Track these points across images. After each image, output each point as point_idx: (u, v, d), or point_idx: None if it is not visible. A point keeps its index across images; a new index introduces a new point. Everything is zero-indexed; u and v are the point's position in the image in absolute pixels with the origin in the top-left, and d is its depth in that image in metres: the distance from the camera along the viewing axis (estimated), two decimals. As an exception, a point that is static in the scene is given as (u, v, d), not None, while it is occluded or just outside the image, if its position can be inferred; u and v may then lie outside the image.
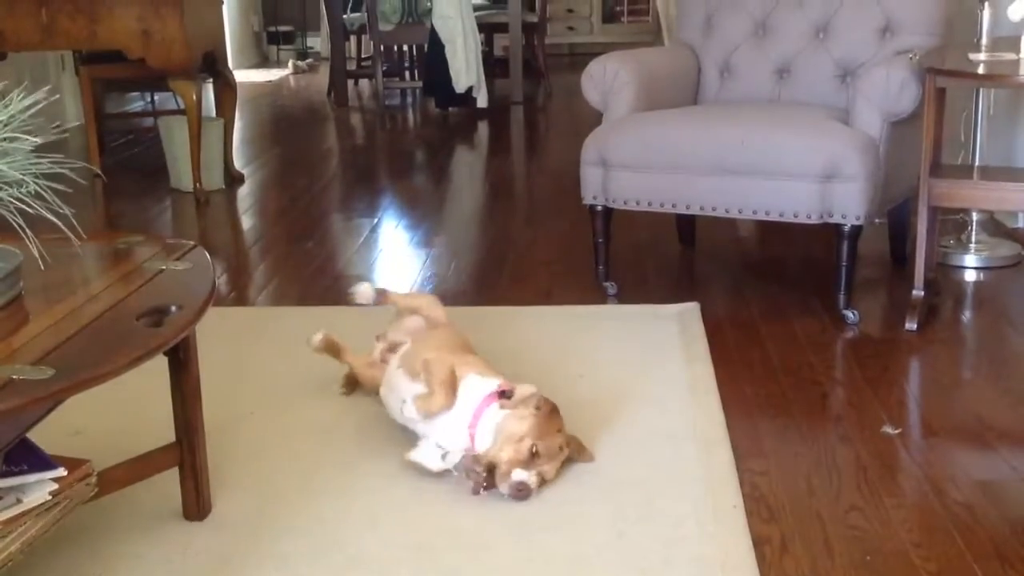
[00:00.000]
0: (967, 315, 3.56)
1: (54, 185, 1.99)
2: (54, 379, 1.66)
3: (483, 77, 7.57)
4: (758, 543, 2.12)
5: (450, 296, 3.77)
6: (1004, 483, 2.38)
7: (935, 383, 3.02)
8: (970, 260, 3.90)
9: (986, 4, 3.61)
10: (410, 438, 2.51)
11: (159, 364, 2.15)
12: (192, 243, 2.40)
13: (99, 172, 5.49)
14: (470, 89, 7.48)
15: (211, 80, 5.75)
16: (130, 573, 2.05)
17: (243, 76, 8.60)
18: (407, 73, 9.04)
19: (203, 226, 4.96)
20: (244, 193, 5.54)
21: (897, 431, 2.62)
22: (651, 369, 2.96)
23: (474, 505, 2.28)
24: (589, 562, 2.06)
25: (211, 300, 2.08)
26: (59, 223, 2.01)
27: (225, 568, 2.07)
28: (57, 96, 6.43)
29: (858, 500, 2.30)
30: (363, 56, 9.19)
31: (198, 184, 5.21)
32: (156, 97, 7.53)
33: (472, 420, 2.38)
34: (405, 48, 8.98)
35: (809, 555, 2.09)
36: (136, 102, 7.87)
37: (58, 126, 2.14)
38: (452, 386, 2.41)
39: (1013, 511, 2.27)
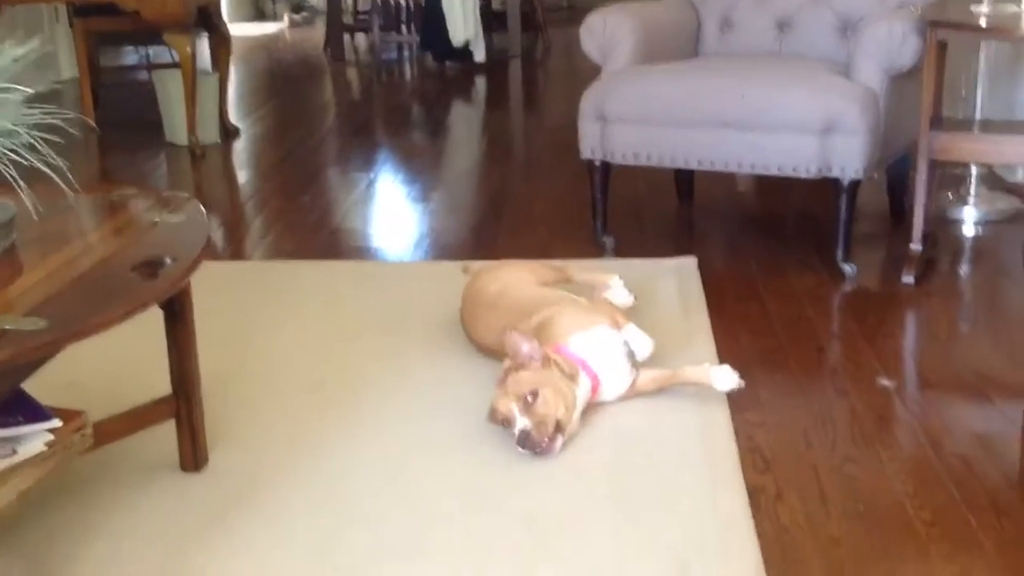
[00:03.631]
0: (964, 269, 3.56)
1: (48, 136, 1.98)
2: (47, 330, 1.65)
3: (480, 31, 7.51)
4: (753, 493, 2.13)
5: (448, 251, 3.76)
6: (999, 435, 2.38)
7: (932, 336, 3.02)
8: (968, 214, 3.89)
9: (988, -45, 3.57)
10: (402, 395, 2.51)
11: (155, 318, 2.15)
12: (186, 195, 2.39)
13: (93, 125, 5.45)
14: (467, 43, 7.42)
15: (206, 33, 5.70)
16: (126, 524, 2.06)
17: (238, 30, 8.52)
18: (404, 27, 8.94)
19: (198, 180, 4.93)
20: (240, 147, 5.52)
21: (893, 383, 2.62)
22: (649, 322, 2.94)
23: (470, 457, 2.28)
24: (585, 513, 2.07)
25: (206, 252, 2.07)
26: (53, 175, 2.00)
27: (222, 519, 2.07)
28: (51, 48, 6.39)
29: (853, 451, 2.31)
30: (359, 9, 9.11)
31: (193, 138, 5.18)
32: (151, 51, 7.47)
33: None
34: (402, 1, 8.89)
35: (804, 505, 2.10)
36: (130, 56, 7.81)
37: (55, 83, 2.12)
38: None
39: (1008, 462, 2.28)
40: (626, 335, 2.53)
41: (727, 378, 2.47)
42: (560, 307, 2.59)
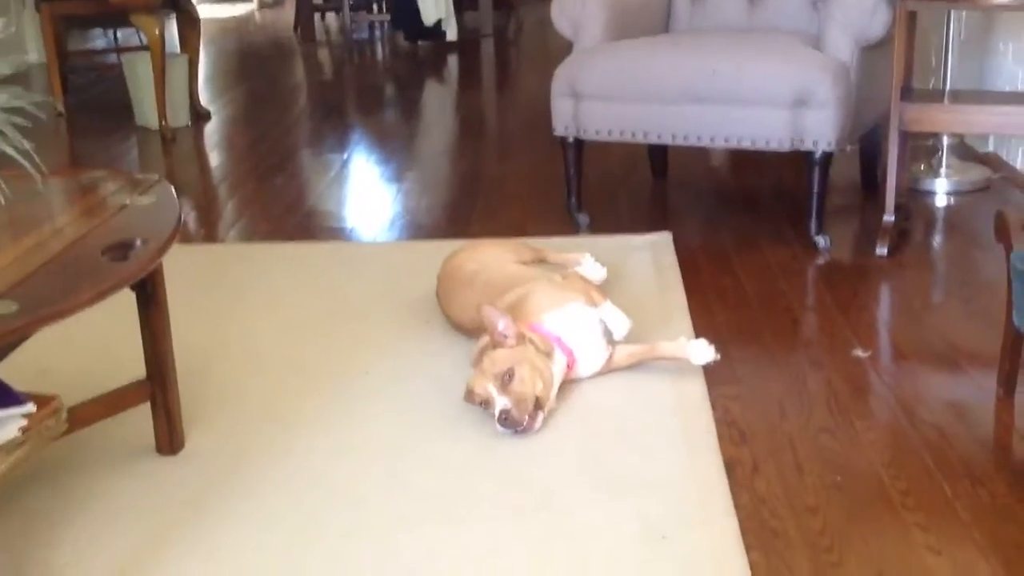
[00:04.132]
0: (937, 240, 3.58)
1: (14, 119, 1.95)
2: (18, 313, 1.64)
3: (452, 10, 7.47)
4: (730, 465, 2.14)
5: (422, 231, 3.75)
6: (973, 404, 2.40)
7: (905, 307, 3.04)
8: (940, 185, 3.91)
9: (957, -74, 3.58)
10: (380, 374, 2.51)
11: (128, 303, 2.14)
12: (156, 177, 2.37)
13: (61, 109, 5.40)
14: (439, 22, 7.39)
15: (174, 15, 5.64)
16: (103, 508, 2.05)
17: (207, 11, 8.45)
18: (375, 6, 8.91)
19: (170, 164, 4.90)
20: (211, 130, 5.48)
21: (867, 354, 2.64)
22: (624, 298, 2.95)
23: (449, 434, 2.28)
24: (563, 488, 2.07)
25: (177, 233, 2.06)
26: (21, 159, 1.98)
27: (200, 501, 2.06)
28: (13, 29, 6.31)
29: (828, 422, 2.32)
30: (330, -11, 9.05)
31: (164, 121, 5.14)
32: (119, 34, 7.39)
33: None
34: (373, -19, 8.86)
35: (780, 476, 2.11)
36: (99, 39, 7.72)
37: (22, 66, 2.09)
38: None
39: (982, 431, 2.30)
40: (602, 312, 2.53)
41: (703, 352, 2.48)
42: (535, 285, 2.59)
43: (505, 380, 2.25)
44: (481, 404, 2.28)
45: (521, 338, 2.34)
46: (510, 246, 2.96)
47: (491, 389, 2.26)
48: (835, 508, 2.01)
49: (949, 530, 1.93)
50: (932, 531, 1.93)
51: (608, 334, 2.51)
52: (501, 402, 2.24)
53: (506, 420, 2.23)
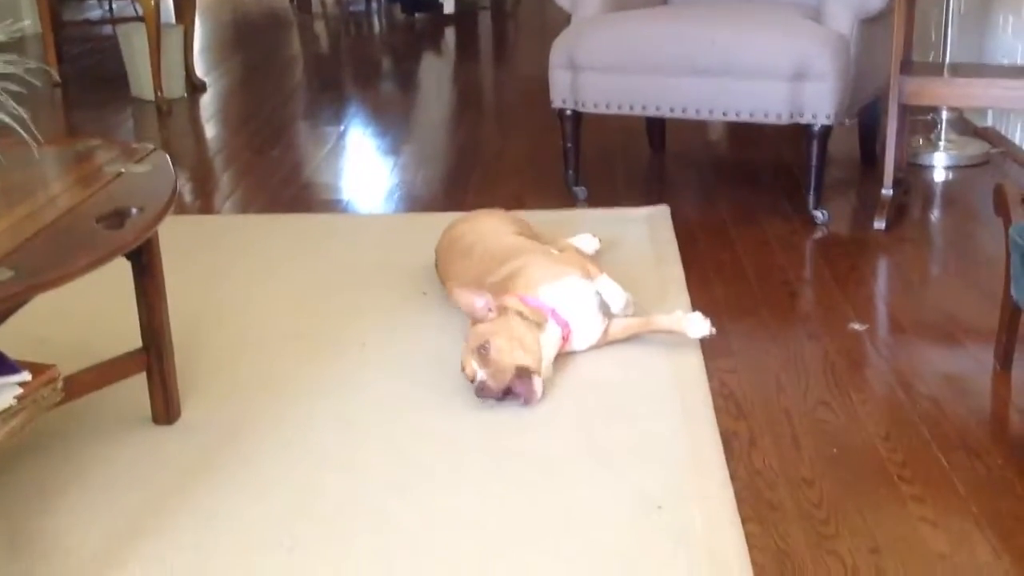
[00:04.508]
0: (935, 214, 3.57)
1: (10, 87, 1.94)
2: (13, 280, 1.63)
3: (450, -19, 7.43)
4: (727, 438, 2.14)
5: (419, 203, 3.74)
6: (970, 376, 2.40)
7: (903, 281, 3.03)
8: (939, 159, 3.90)
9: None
10: (377, 346, 2.50)
11: (124, 273, 2.13)
12: (151, 146, 2.35)
13: (57, 78, 5.37)
14: (436, -6, 7.34)
15: (169, -15, 5.60)
16: (100, 478, 2.05)
17: (203, -17, 8.39)
18: (372, -22, 8.85)
19: (165, 135, 4.87)
20: (206, 101, 5.45)
21: (865, 328, 2.64)
22: (621, 272, 2.94)
23: (446, 406, 2.28)
24: (560, 461, 2.07)
25: (172, 202, 2.04)
26: (16, 127, 1.96)
27: (196, 471, 2.06)
28: (12, 2, 6.26)
29: (826, 395, 2.32)
30: (326, -39, 8.98)
31: (159, 92, 5.11)
32: (114, 4, 7.35)
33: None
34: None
35: (777, 449, 2.11)
36: (94, 10, 7.67)
37: (11, 21, 2.07)
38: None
39: (978, 403, 2.30)
40: (598, 285, 2.53)
41: (699, 325, 2.47)
42: (531, 257, 2.58)
43: (482, 352, 2.25)
44: (470, 379, 2.28)
45: (503, 310, 2.34)
46: (509, 217, 2.95)
47: (472, 363, 2.27)
48: (831, 480, 2.01)
49: (945, 502, 1.93)
50: (928, 503, 1.93)
51: (604, 307, 2.51)
52: (480, 374, 2.24)
53: (482, 391, 2.23)
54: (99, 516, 1.93)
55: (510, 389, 2.24)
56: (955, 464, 2.05)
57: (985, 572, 1.75)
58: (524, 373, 2.25)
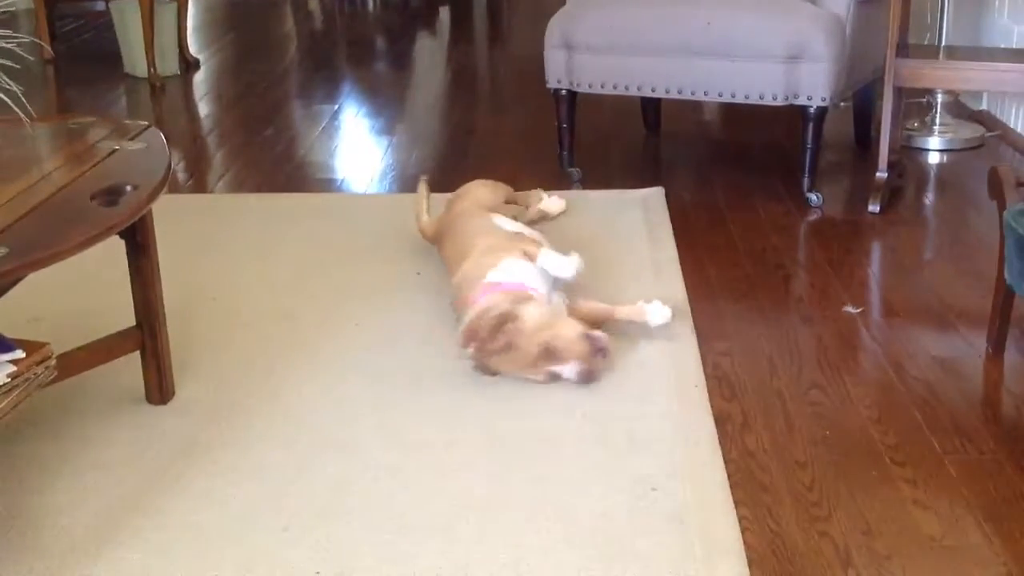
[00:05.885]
0: (930, 197, 3.57)
1: (3, 62, 1.93)
2: (7, 257, 1.62)
3: (444, -40, 7.38)
4: (720, 420, 2.15)
5: (413, 184, 3.72)
6: (962, 360, 2.41)
7: (897, 264, 3.04)
8: (934, 143, 3.90)
9: None
10: (372, 325, 2.50)
11: (118, 252, 2.12)
12: (145, 123, 2.34)
13: (50, 51, 5.33)
14: (431, -27, 7.30)
15: (163, -38, 5.56)
16: (94, 456, 2.05)
17: (197, -40, 8.33)
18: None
19: (159, 113, 4.85)
20: (200, 79, 5.42)
21: (858, 311, 2.64)
22: (616, 253, 2.95)
23: (439, 386, 2.28)
24: (553, 443, 2.08)
25: (167, 180, 2.04)
26: (8, 102, 1.95)
27: (190, 451, 2.06)
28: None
29: (819, 378, 2.33)
30: (320, -62, 8.92)
31: (152, 70, 5.08)
32: (107, -19, 7.29)
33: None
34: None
35: (770, 431, 2.12)
36: (87, -14, 7.62)
37: (9, 7, 2.06)
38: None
39: (970, 387, 2.31)
40: (541, 262, 2.50)
41: (659, 313, 2.48)
42: (474, 253, 2.56)
43: (549, 352, 2.25)
44: (559, 378, 2.28)
45: (506, 315, 2.30)
46: (489, 193, 2.99)
47: (552, 368, 2.27)
48: (824, 463, 2.01)
49: (937, 485, 1.94)
50: (920, 486, 1.94)
51: (558, 282, 2.50)
52: (566, 369, 2.25)
53: (588, 376, 2.26)
54: (92, 494, 1.93)
55: (598, 349, 2.26)
56: (947, 447, 2.06)
57: (976, 554, 1.76)
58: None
